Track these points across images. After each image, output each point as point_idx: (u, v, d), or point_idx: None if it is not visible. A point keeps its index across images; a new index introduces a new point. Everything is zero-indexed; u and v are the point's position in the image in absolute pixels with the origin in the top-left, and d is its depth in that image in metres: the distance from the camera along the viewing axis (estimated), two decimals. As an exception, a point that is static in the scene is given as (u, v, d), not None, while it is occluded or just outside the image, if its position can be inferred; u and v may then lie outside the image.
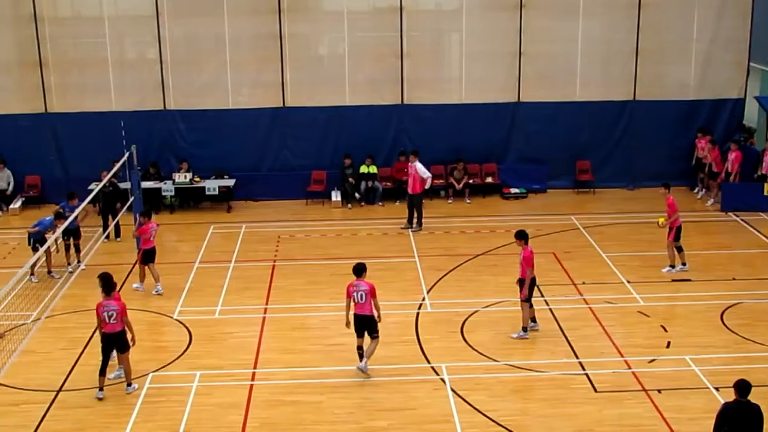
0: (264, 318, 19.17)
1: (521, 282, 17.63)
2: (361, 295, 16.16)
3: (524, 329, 17.84)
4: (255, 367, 16.92)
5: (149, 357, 17.32)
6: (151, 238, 20.51)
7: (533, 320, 18.05)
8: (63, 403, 15.82)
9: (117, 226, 24.10)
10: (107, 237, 23.98)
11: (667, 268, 21.11)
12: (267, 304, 19.91)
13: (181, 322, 19.00)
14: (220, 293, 20.47)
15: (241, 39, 27.41)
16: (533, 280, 17.67)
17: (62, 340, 18.09)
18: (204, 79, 27.68)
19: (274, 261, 22.59)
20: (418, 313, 19.10)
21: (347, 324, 16.35)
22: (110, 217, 24.01)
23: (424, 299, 19.89)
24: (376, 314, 16.30)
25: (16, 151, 27.56)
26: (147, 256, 20.45)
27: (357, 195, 27.15)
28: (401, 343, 17.66)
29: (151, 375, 16.61)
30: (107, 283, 15.89)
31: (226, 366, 16.97)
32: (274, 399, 15.73)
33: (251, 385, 16.23)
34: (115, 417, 15.30)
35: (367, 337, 16.42)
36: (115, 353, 16.08)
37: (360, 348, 16.45)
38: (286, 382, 16.34)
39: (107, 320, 15.64)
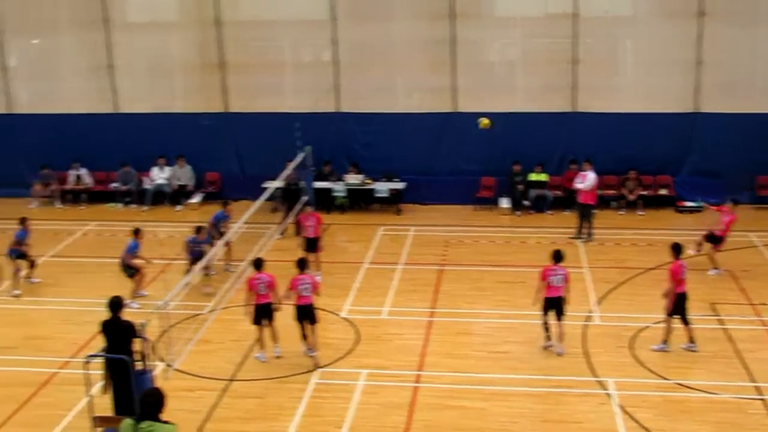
0: (430, 321, 19.27)
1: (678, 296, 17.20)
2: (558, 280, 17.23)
3: (664, 342, 17.49)
4: (420, 370, 17.03)
5: (317, 353, 17.68)
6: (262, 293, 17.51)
7: (690, 340, 17.50)
8: (234, 392, 16.34)
9: (297, 225, 24.62)
10: (282, 233, 24.52)
11: None
12: (433, 307, 20.02)
13: (348, 321, 19.32)
14: (388, 294, 20.69)
15: (413, 43, 27.62)
16: (681, 296, 17.16)
17: (235, 332, 18.66)
18: (376, 82, 28.05)
19: (442, 265, 22.68)
20: (585, 326, 18.83)
21: None
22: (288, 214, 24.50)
23: (591, 311, 19.59)
24: None
25: (197, 148, 28.63)
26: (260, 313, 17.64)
27: (526, 202, 26.96)
28: (567, 355, 17.43)
29: (318, 371, 16.96)
30: (258, 261, 17.41)
31: (391, 366, 17.14)
32: (437, 402, 15.79)
33: (415, 387, 16.35)
34: (282, 409, 15.69)
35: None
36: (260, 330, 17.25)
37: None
38: (450, 386, 16.38)
39: (261, 291, 16.97)
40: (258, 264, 17.47)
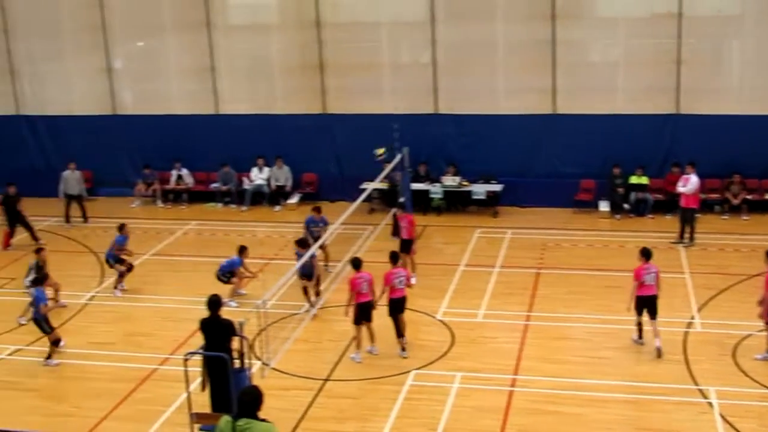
0: (526, 325, 19.09)
1: None
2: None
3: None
4: (515, 374, 16.89)
5: (412, 354, 17.68)
6: (363, 291, 17.59)
7: None
8: (329, 391, 16.43)
9: (395, 225, 24.65)
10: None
11: None
12: (530, 311, 19.82)
13: (443, 323, 19.26)
14: (484, 297, 20.56)
15: (512, 44, 27.39)
16: None
17: (331, 332, 18.77)
18: (475, 84, 27.88)
19: (539, 268, 22.46)
20: (686, 332, 18.42)
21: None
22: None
23: (693, 318, 19.16)
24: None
25: (296, 149, 28.89)
26: (362, 313, 17.76)
27: (626, 206, 26.52)
28: (667, 362, 17.07)
29: (413, 372, 16.94)
30: (357, 260, 17.76)
31: (486, 370, 17.02)
32: (533, 407, 15.63)
33: (511, 392, 16.21)
34: (376, 410, 15.72)
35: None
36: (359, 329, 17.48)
37: None
38: (546, 391, 16.19)
39: (363, 290, 17.32)
40: (357, 263, 17.58)
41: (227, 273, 20.68)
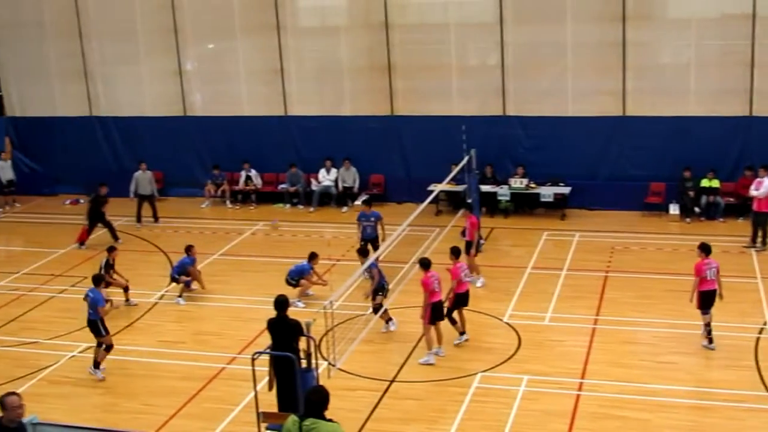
0: (594, 329, 18.94)
1: None
2: None
3: None
4: (582, 378, 16.75)
5: (478, 357, 17.66)
6: (436, 290, 17.63)
7: None
8: (395, 393, 16.47)
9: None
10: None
11: None
12: (597, 315, 19.66)
13: (510, 326, 19.18)
14: (551, 300, 20.43)
15: (582, 46, 27.16)
16: None
17: (397, 333, 18.79)
18: (543, 86, 27.73)
19: (607, 272, 22.26)
20: (758, 338, 18.09)
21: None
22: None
23: (765, 324, 18.81)
24: None
25: (363, 150, 29.03)
26: (436, 312, 17.73)
27: (696, 209, 26.15)
28: (738, 368, 16.81)
29: (479, 375, 16.91)
30: (426, 261, 17.66)
31: (553, 373, 16.92)
32: (600, 412, 15.50)
33: (578, 395, 16.09)
34: (442, 412, 15.72)
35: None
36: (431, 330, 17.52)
37: None
38: (613, 395, 16.05)
39: (435, 288, 17.40)
40: (426, 263, 17.59)
41: (296, 278, 20.84)
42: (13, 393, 10.59)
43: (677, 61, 27.62)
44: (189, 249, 21.76)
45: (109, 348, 17.62)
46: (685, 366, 17.08)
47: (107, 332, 17.61)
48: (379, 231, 22.21)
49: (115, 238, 25.89)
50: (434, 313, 17.50)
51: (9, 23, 32.13)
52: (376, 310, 18.78)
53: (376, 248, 21.55)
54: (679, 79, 26.93)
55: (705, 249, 17.69)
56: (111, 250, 21.08)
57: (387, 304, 18.88)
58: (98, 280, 18.04)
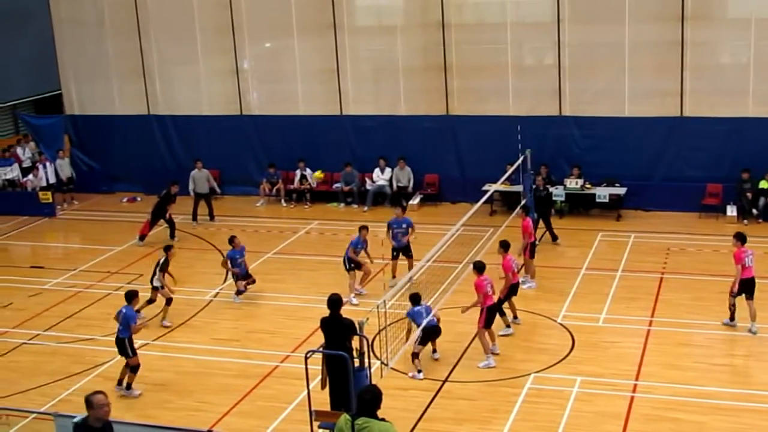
0: (648, 330, 18.81)
1: None
2: None
3: None
4: (636, 379, 16.67)
5: (532, 358, 17.64)
6: (489, 293, 17.62)
7: None
8: (448, 393, 16.52)
9: (551, 231, 24.68)
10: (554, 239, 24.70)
11: None
12: (652, 316, 19.53)
13: (564, 327, 19.11)
14: (605, 301, 20.32)
15: (640, 46, 26.89)
16: None
17: (450, 333, 18.69)
18: (600, 86, 27.53)
19: (662, 273, 22.07)
20: (815, 341, 17.90)
21: None
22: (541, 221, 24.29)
23: (823, 326, 18.58)
24: None
25: (419, 150, 29.03)
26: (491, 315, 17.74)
27: (754, 211, 25.81)
28: (796, 371, 16.68)
29: (532, 376, 16.88)
30: (480, 264, 17.79)
31: (607, 375, 16.85)
32: (654, 414, 15.42)
33: (632, 397, 16.03)
34: (495, 412, 15.75)
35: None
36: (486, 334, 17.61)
37: None
38: (667, 397, 15.97)
39: (488, 292, 17.52)
40: (480, 267, 17.60)
41: (352, 262, 20.94)
42: (100, 392, 10.54)
43: (736, 61, 27.25)
44: (232, 240, 21.70)
45: (135, 369, 17.10)
46: (740, 368, 16.97)
47: (134, 353, 17.07)
48: (411, 238, 22.02)
49: (173, 236, 26.19)
50: (488, 317, 17.48)
51: (68, 21, 32.59)
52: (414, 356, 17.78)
53: (409, 257, 21.65)
54: (738, 80, 26.56)
55: (741, 238, 18.32)
56: (168, 249, 21.18)
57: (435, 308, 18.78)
58: (131, 296, 17.31)
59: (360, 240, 21.15)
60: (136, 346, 17.24)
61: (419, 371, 17.15)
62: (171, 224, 26.49)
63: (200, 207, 28.27)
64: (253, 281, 21.68)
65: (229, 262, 21.45)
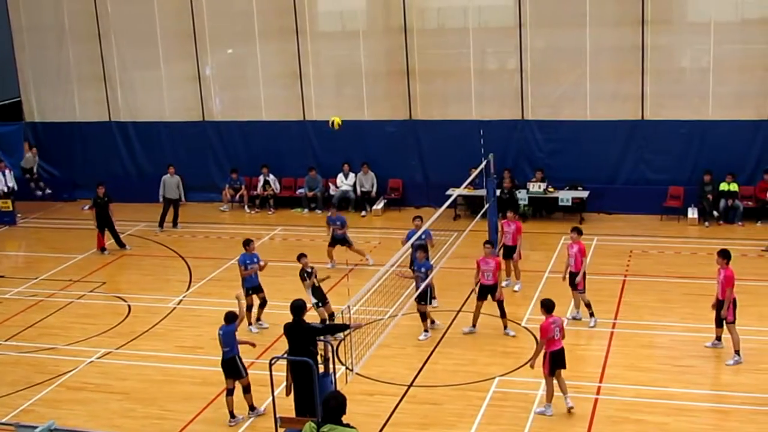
0: (612, 332, 18.91)
1: None
2: None
3: None
4: (600, 381, 16.75)
5: (497, 361, 17.69)
6: (556, 337, 15.81)
7: None
8: (413, 397, 16.51)
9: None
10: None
11: None
12: (615, 318, 19.64)
13: (528, 330, 19.17)
14: (569, 304, 20.36)
15: (601, 50, 27.08)
16: None
17: (414, 338, 18.80)
18: (562, 90, 27.70)
19: (625, 275, 22.22)
20: (775, 342, 18.08)
21: None
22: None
23: (783, 328, 18.77)
24: None
25: (381, 155, 29.05)
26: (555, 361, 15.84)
27: (715, 213, 26.05)
28: (757, 371, 16.78)
29: (497, 379, 16.92)
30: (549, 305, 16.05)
31: (572, 377, 16.78)
32: (618, 416, 15.50)
33: (596, 399, 16.10)
34: (460, 416, 15.75)
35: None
36: None
37: None
38: (631, 399, 16.06)
39: (556, 336, 15.74)
40: (549, 306, 15.99)
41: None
42: None
43: (696, 64, 27.49)
44: (248, 243, 20.11)
45: (247, 389, 16.07)
46: (704, 369, 17.06)
47: (246, 372, 16.09)
48: (429, 248, 20.93)
49: (121, 245, 25.90)
50: (553, 363, 15.69)
51: (28, 28, 32.29)
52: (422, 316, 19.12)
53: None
54: (698, 83, 26.83)
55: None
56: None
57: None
58: (232, 318, 16.12)
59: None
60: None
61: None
62: (113, 233, 26.02)
63: (167, 213, 27.89)
64: (263, 303, 20.30)
65: (241, 268, 20.01)
